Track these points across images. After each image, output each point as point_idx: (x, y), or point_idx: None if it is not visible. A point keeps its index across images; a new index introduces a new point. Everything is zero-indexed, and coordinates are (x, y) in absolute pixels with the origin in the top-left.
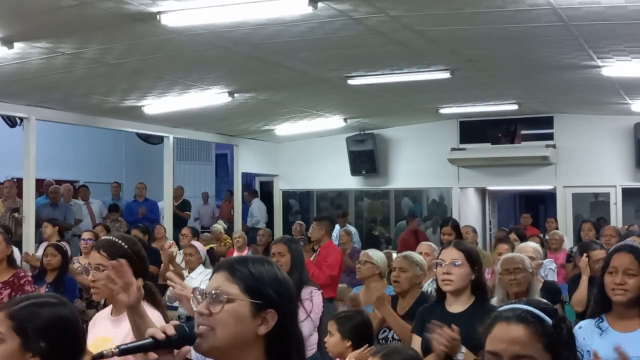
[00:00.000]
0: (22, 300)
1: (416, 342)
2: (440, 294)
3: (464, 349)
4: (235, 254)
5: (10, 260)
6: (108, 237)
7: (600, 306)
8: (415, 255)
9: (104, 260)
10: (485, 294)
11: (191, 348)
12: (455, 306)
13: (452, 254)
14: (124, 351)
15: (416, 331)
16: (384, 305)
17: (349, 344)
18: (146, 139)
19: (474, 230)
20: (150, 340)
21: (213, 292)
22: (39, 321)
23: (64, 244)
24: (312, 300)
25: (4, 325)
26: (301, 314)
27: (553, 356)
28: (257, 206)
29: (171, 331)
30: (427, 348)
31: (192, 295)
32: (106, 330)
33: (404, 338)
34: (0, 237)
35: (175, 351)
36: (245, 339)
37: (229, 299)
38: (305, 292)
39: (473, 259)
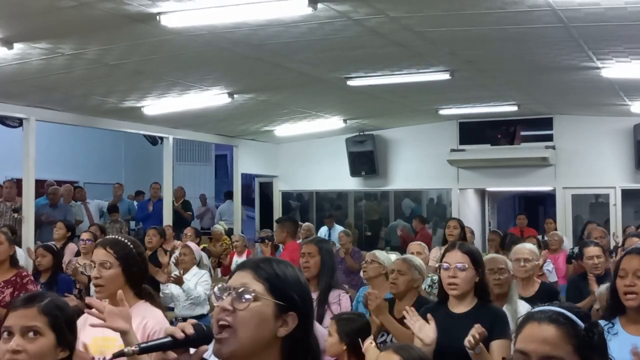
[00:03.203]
0: (44, 295)
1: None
2: (443, 295)
3: (481, 345)
4: (235, 257)
5: (13, 260)
6: (114, 236)
7: (612, 310)
8: (414, 258)
9: (109, 257)
10: (487, 295)
11: (209, 347)
12: (459, 307)
13: (457, 257)
14: (143, 349)
15: None
16: (382, 312)
17: (344, 346)
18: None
19: (472, 232)
20: (169, 339)
21: (240, 288)
22: (69, 316)
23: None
24: (339, 304)
25: (39, 320)
26: (327, 319)
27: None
28: (228, 207)
29: (190, 330)
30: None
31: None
32: (105, 330)
33: (404, 341)
34: (3, 237)
35: (192, 350)
36: (265, 341)
37: (255, 297)
38: (333, 295)
39: (477, 262)
